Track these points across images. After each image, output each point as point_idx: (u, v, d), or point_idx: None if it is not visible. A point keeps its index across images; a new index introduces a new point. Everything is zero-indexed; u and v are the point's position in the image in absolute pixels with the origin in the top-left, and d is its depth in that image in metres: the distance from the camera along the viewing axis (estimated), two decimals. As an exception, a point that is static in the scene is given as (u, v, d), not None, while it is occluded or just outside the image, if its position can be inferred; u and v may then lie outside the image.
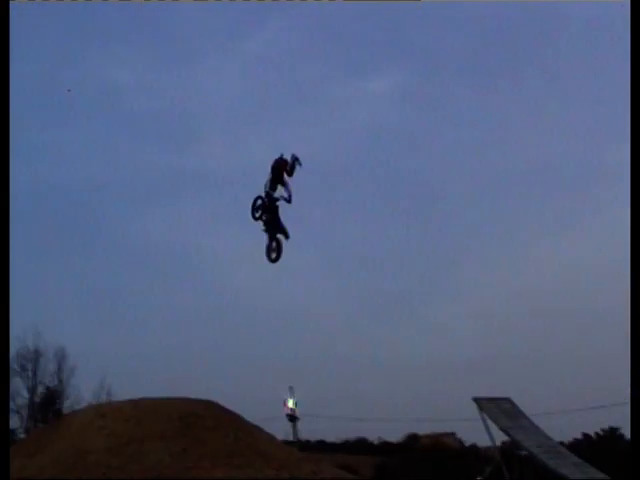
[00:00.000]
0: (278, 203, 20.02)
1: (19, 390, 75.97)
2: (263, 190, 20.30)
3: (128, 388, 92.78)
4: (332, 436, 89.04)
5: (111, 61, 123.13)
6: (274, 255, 20.26)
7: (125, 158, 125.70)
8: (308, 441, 74.83)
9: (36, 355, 75.66)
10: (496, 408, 44.82)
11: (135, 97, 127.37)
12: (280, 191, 20.02)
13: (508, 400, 46.17)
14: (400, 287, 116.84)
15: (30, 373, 75.52)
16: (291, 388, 70.12)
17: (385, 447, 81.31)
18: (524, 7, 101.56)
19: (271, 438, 38.59)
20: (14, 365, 75.25)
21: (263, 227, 20.38)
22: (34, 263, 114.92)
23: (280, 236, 20.37)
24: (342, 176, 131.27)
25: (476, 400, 44.44)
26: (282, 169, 19.94)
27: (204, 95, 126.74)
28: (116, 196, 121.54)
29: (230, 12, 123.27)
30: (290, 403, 69.22)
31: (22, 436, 69.14)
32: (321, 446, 76.08)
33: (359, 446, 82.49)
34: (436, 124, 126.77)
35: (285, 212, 20.12)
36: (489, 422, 43.97)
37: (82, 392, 76.66)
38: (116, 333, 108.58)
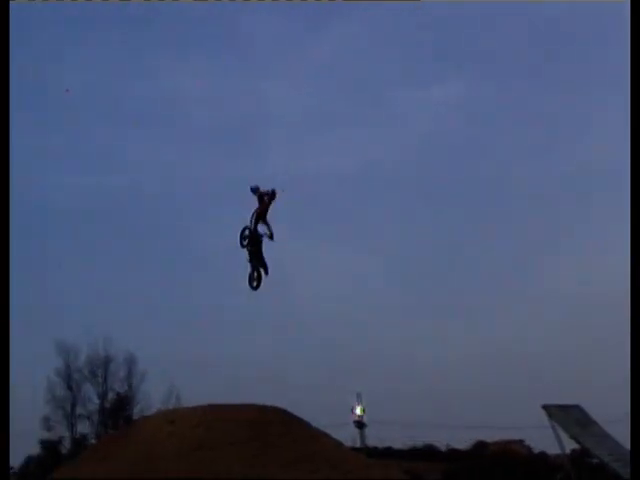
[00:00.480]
0: (262, 239, 22.03)
1: (90, 396, 77.16)
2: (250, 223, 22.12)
3: (197, 394, 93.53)
4: (399, 443, 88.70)
5: (176, 69, 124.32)
6: (255, 283, 22.17)
7: (193, 167, 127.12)
8: (376, 447, 74.63)
9: (106, 361, 76.72)
10: (566, 415, 44.08)
11: (198, 105, 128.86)
12: (263, 228, 21.94)
13: (578, 407, 45.39)
14: (467, 289, 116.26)
15: (100, 379, 76.63)
16: (359, 395, 70.03)
17: (453, 454, 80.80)
18: (589, 8, 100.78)
19: (339, 444, 38.56)
20: (85, 371, 76.71)
21: (248, 257, 22.24)
22: (104, 270, 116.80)
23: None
24: (405, 180, 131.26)
25: (545, 407, 43.81)
26: (266, 206, 21.88)
27: (267, 102, 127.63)
28: (181, 204, 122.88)
29: (292, 18, 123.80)
30: (358, 410, 69.08)
31: (93, 442, 70.22)
32: (389, 452, 75.84)
33: (427, 453, 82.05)
34: (497, 130, 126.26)
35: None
36: (559, 430, 43.33)
37: (152, 398, 77.56)
38: (185, 339, 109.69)
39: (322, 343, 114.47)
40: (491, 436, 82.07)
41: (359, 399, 69.89)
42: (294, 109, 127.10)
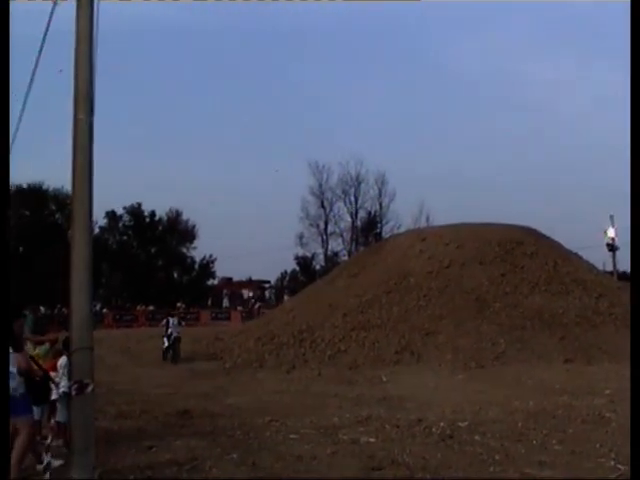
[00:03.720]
0: None
1: (342, 214, 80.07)
2: None
3: (446, 214, 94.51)
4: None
5: None
6: None
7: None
8: (626, 272, 73.01)
9: (358, 181, 78.85)
10: None
11: None
12: None
13: None
14: None
15: (352, 198, 79.01)
16: (612, 217, 68.01)
17: None
18: None
19: (590, 267, 37.91)
20: (337, 190, 79.29)
21: None
22: (354, 91, 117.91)
23: None
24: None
25: None
26: None
27: None
28: (433, 22, 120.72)
29: None
30: (610, 232, 67.18)
31: (344, 258, 73.14)
32: (640, 277, 73.98)
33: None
34: None
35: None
36: None
37: (401, 217, 79.46)
38: (435, 159, 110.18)
39: (574, 165, 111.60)
40: None
41: (612, 221, 67.96)
42: None
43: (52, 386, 12.26)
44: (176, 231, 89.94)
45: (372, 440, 13.23)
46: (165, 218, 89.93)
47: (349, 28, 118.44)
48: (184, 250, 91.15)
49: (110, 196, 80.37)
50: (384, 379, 23.73)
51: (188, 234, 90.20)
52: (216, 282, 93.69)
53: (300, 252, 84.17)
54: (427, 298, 31.18)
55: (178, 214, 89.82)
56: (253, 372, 27.12)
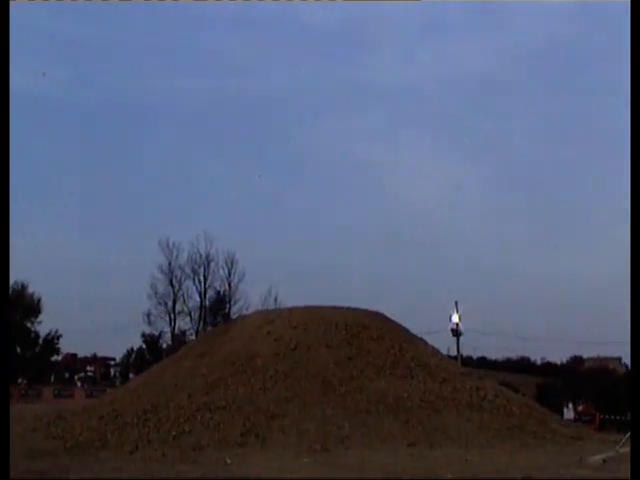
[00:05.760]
0: None
1: (191, 293, 79.42)
2: None
3: (294, 296, 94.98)
4: (495, 354, 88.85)
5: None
6: None
7: (302, 70, 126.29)
8: (470, 357, 74.98)
9: (207, 260, 78.59)
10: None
11: (311, 10, 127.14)
12: None
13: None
14: (571, 205, 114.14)
15: (201, 277, 78.58)
16: (456, 303, 69.92)
17: (548, 368, 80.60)
18: None
19: (435, 351, 38.68)
20: (186, 269, 78.78)
21: None
22: (206, 172, 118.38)
23: None
24: (517, 91, 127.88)
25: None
26: None
27: (378, 8, 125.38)
28: (291, 107, 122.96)
29: None
30: (455, 318, 69.02)
31: (192, 337, 72.45)
32: (483, 363, 76.08)
33: (521, 365, 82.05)
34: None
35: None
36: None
37: (250, 298, 79.41)
38: (284, 242, 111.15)
39: (419, 249, 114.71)
40: (588, 352, 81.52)
41: (456, 307, 69.87)
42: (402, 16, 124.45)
43: None
44: (20, 304, 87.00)
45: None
46: (10, 291, 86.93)
47: (201, 107, 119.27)
48: (28, 324, 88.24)
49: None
50: (228, 461, 23.29)
51: (33, 308, 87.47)
52: (60, 358, 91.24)
53: (147, 330, 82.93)
54: (273, 380, 31.03)
55: (23, 287, 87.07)
56: (95, 452, 26.20)
